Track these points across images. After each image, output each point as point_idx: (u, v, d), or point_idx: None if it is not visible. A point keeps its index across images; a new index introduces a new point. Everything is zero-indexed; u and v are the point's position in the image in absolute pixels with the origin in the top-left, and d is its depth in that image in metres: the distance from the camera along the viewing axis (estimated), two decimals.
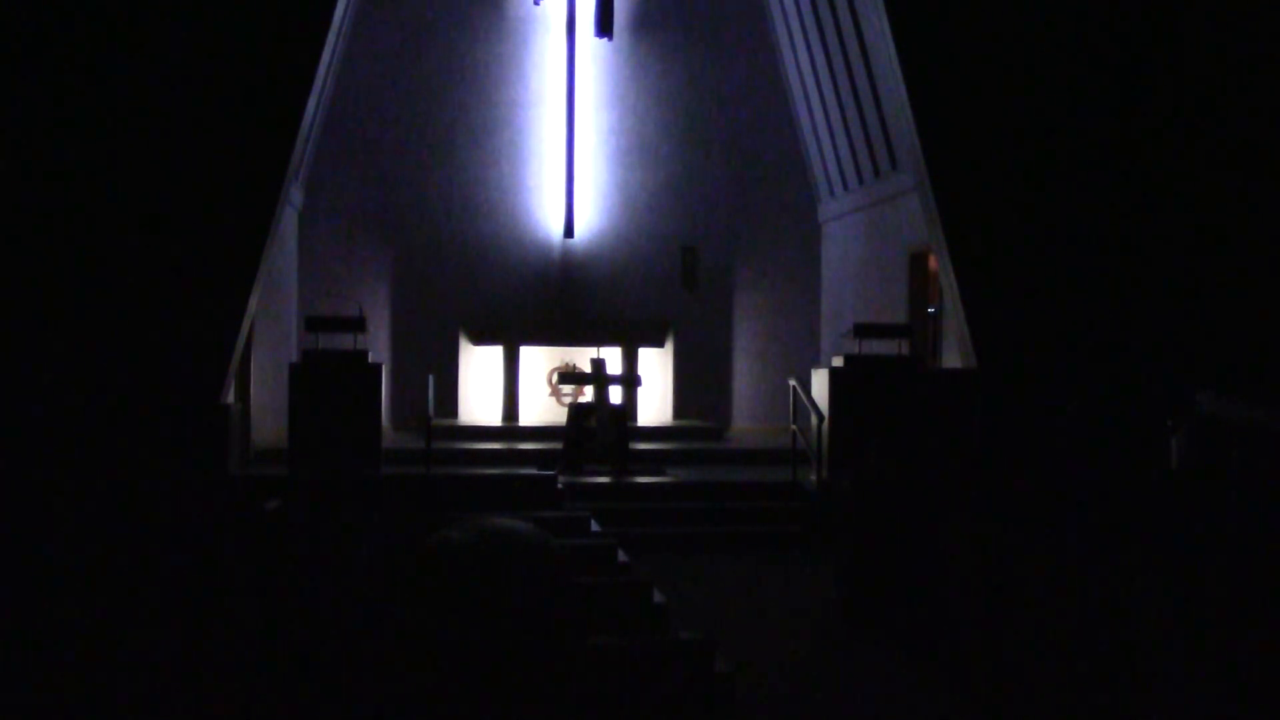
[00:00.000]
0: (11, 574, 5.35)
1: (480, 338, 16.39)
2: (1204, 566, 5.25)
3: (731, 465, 14.19)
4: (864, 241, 15.93)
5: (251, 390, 13.14)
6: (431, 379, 12.72)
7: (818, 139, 16.90)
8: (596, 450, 13.09)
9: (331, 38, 11.90)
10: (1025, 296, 11.23)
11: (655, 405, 16.60)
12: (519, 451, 14.30)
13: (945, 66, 11.22)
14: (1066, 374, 11.03)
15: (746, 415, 17.42)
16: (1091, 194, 11.25)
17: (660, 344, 16.67)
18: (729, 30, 17.47)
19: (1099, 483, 7.99)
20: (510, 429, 15.54)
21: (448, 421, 15.57)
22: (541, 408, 16.19)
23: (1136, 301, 11.19)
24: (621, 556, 7.45)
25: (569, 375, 15.47)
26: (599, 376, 13.91)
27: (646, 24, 17.38)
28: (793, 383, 13.16)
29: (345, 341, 12.30)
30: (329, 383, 11.73)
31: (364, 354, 12.03)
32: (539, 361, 16.35)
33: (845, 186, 16.36)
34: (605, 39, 16.79)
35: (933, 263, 13.42)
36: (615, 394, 14.35)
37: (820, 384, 12.50)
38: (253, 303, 11.18)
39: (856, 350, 12.49)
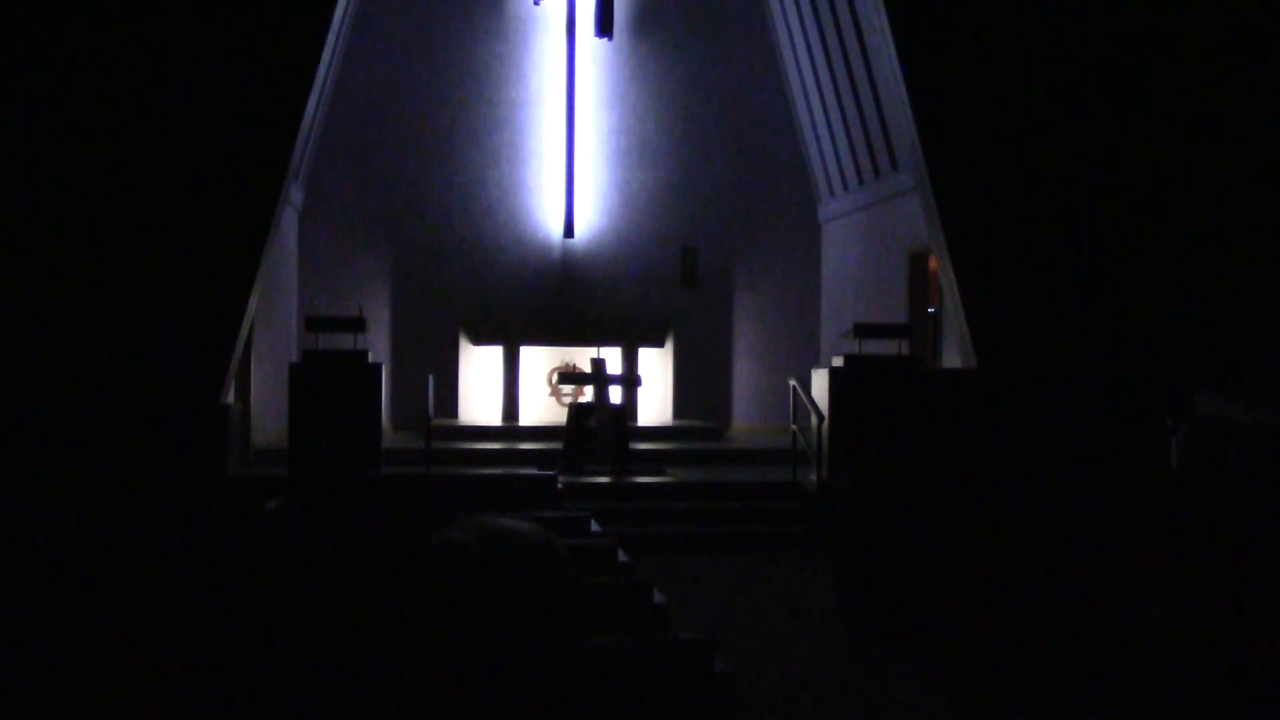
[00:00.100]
0: (11, 574, 5.35)
1: (480, 338, 16.39)
2: (1204, 566, 5.25)
3: (731, 465, 14.19)
4: (864, 241, 15.93)
5: (251, 390, 13.14)
6: (431, 379, 12.73)
7: (818, 139, 16.90)
8: (596, 450, 13.09)
9: (331, 38, 11.90)
10: (1025, 296, 11.23)
11: (655, 405, 16.60)
12: (519, 451, 14.30)
13: (945, 66, 11.22)
14: (1066, 374, 11.03)
15: (746, 415, 17.43)
16: (1091, 194, 11.25)
17: (660, 344, 16.67)
18: (729, 30, 17.48)
19: (1099, 483, 7.99)
20: (510, 429, 15.54)
21: (448, 421, 15.57)
22: (541, 408, 16.19)
23: (1136, 302, 11.19)
24: (621, 556, 7.44)
25: (569, 375, 15.47)
26: (599, 376, 13.91)
27: (646, 24, 17.39)
28: (793, 383, 13.16)
29: (345, 341, 12.30)
30: (329, 383, 11.73)
31: (364, 354, 12.03)
32: (539, 361, 16.35)
33: (845, 186, 16.37)
34: (605, 39, 16.79)
35: (933, 263, 13.43)
36: (615, 394, 14.35)
37: (820, 384, 12.50)
38: (252, 303, 11.18)
39: (856, 350, 12.48)
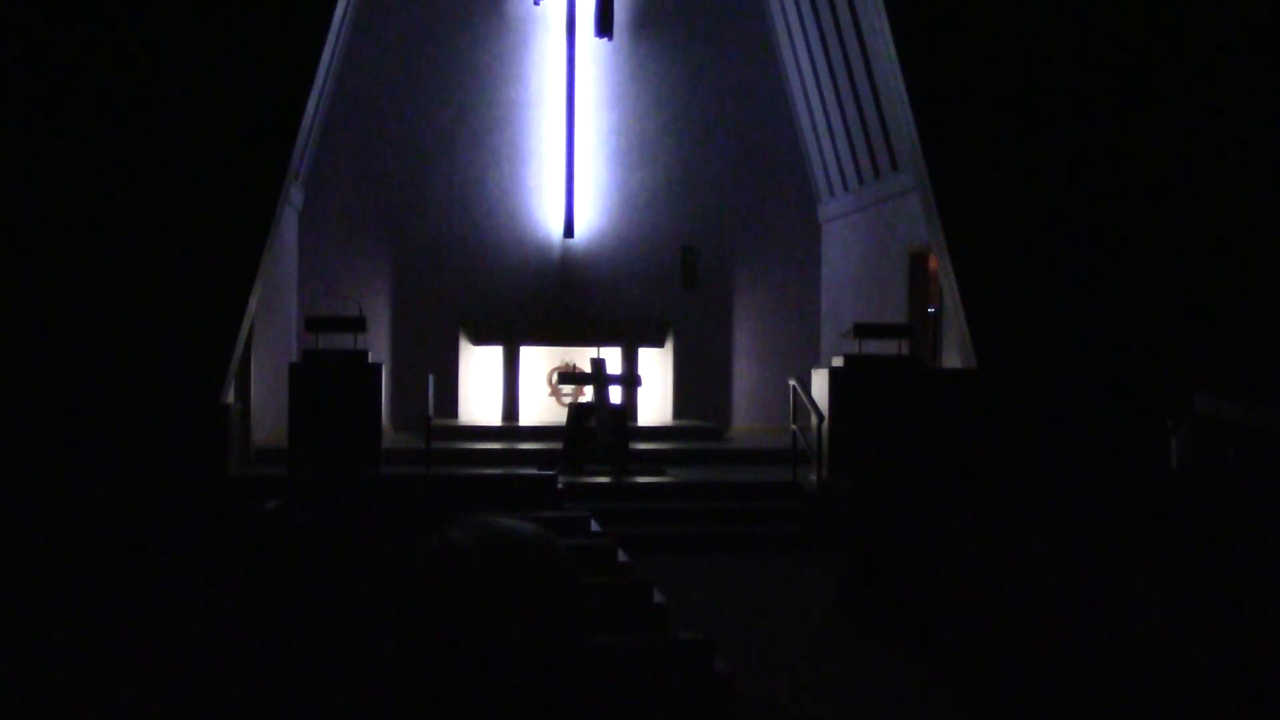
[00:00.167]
0: (11, 573, 5.35)
1: (480, 338, 16.39)
2: (1204, 566, 5.25)
3: (731, 465, 14.19)
4: (864, 241, 15.93)
5: (251, 390, 13.14)
6: (431, 379, 12.72)
7: (818, 139, 16.90)
8: (596, 450, 13.09)
9: (331, 38, 11.90)
10: (1025, 296, 11.22)
11: (655, 405, 16.60)
12: (519, 451, 14.30)
13: (945, 66, 11.21)
14: (1066, 374, 11.03)
15: (746, 415, 17.43)
16: (1092, 194, 11.24)
17: (660, 344, 16.67)
18: (729, 30, 17.48)
19: (1099, 483, 7.98)
20: (510, 429, 15.54)
21: (448, 421, 15.56)
22: (541, 408, 16.19)
23: (1136, 302, 11.19)
24: (621, 556, 7.44)
25: (569, 375, 15.47)
26: (599, 376, 13.91)
27: (646, 24, 17.39)
28: (793, 383, 13.16)
29: (345, 341, 12.30)
30: (329, 383, 11.72)
31: (364, 354, 12.03)
32: (539, 361, 16.35)
33: (845, 186, 16.37)
34: (605, 39, 16.79)
35: (933, 263, 13.42)
36: (615, 394, 14.35)
37: (820, 384, 12.50)
38: (253, 303, 11.18)
39: (856, 350, 12.48)
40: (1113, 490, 7.12)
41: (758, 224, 17.60)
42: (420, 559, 1.79)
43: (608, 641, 4.72)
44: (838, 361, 12.43)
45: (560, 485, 9.73)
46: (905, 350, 12.96)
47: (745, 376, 17.54)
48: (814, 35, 15.75)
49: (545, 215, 17.14)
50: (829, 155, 16.62)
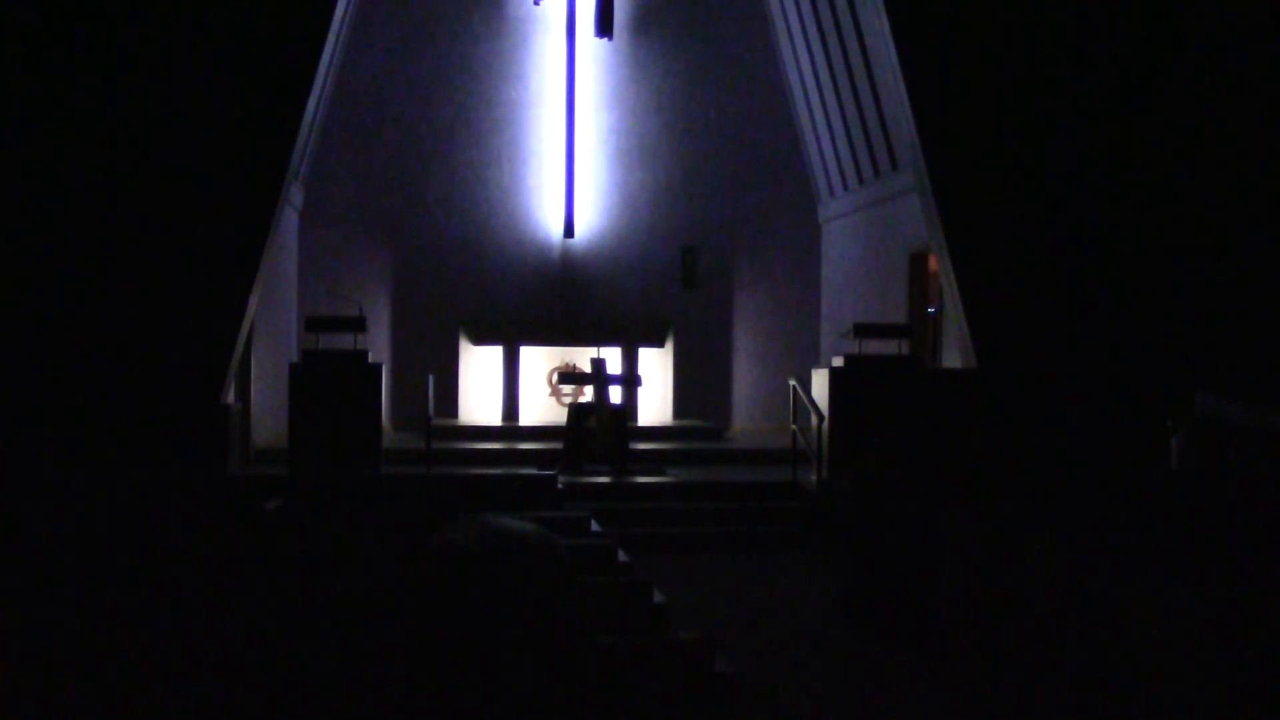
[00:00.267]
0: (12, 573, 5.35)
1: (480, 338, 16.39)
2: (1204, 566, 5.25)
3: (731, 465, 14.18)
4: (864, 241, 15.93)
5: (251, 390, 13.13)
6: (431, 379, 12.72)
7: (818, 139, 16.90)
8: (596, 450, 13.09)
9: (331, 38, 11.90)
10: (1025, 296, 11.23)
11: (655, 405, 16.60)
12: (519, 451, 14.29)
13: (945, 66, 11.21)
14: (1066, 374, 11.03)
15: (746, 415, 17.42)
16: (1091, 194, 11.25)
17: (660, 344, 16.66)
18: (729, 30, 17.47)
19: (1099, 483, 7.99)
20: (510, 429, 15.54)
21: (448, 421, 15.56)
22: (541, 408, 16.19)
23: (1136, 302, 11.19)
24: (621, 556, 7.45)
25: (569, 375, 15.47)
26: (599, 376, 13.91)
27: (646, 24, 17.39)
28: (793, 383, 13.16)
29: (345, 341, 12.30)
30: (329, 383, 11.72)
31: (364, 354, 12.03)
32: (539, 361, 16.34)
33: (845, 186, 16.37)
34: (605, 39, 16.79)
35: (933, 263, 13.42)
36: (615, 394, 14.35)
37: (820, 384, 12.50)
38: (253, 303, 11.18)
39: (856, 350, 12.48)
40: (1113, 490, 7.12)
41: (758, 224, 17.59)
42: (421, 559, 1.79)
43: (608, 641, 4.72)
44: (838, 361, 12.42)
45: (560, 485, 9.73)
46: (905, 350, 12.95)
47: (745, 376, 17.54)
48: (814, 35, 15.75)
49: (545, 215, 17.14)
50: (829, 155, 16.62)
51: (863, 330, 12.61)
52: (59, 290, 10.51)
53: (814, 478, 12.14)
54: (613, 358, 15.73)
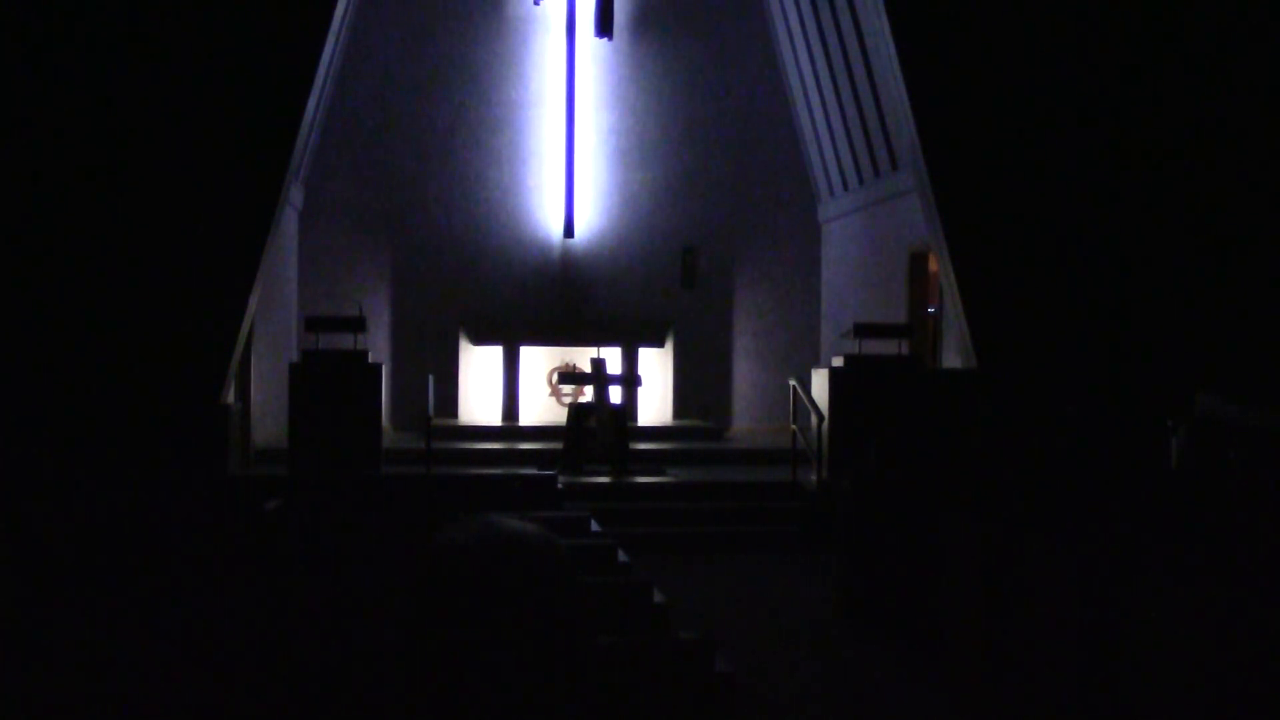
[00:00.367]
0: (11, 573, 5.35)
1: (480, 338, 16.39)
2: (1204, 566, 5.25)
3: (731, 465, 14.19)
4: (864, 241, 15.93)
5: (251, 390, 13.14)
6: (431, 379, 12.72)
7: (818, 139, 16.90)
8: (596, 450, 13.09)
9: (331, 38, 11.90)
10: (1025, 296, 11.23)
11: (655, 405, 16.60)
12: (519, 451, 14.30)
13: (945, 66, 11.21)
14: (1066, 374, 11.03)
15: (746, 415, 17.42)
16: (1092, 194, 11.24)
17: (660, 344, 16.66)
18: (729, 30, 17.47)
19: (1099, 483, 7.99)
20: (510, 429, 15.54)
21: (448, 421, 15.56)
22: (541, 408, 16.19)
23: (1136, 302, 11.19)
24: (621, 556, 7.45)
25: (569, 375, 15.47)
26: (599, 376, 13.91)
27: (646, 24, 17.39)
28: (793, 383, 13.16)
29: (345, 341, 12.30)
30: (329, 383, 11.73)
31: (364, 354, 12.03)
32: (539, 361, 16.35)
33: (845, 186, 16.37)
34: (605, 39, 16.79)
35: (933, 263, 13.42)
36: (615, 394, 14.35)
37: (820, 384, 12.50)
38: (253, 303, 11.18)
39: (856, 350, 12.48)
40: (1113, 490, 7.12)
41: (758, 224, 17.59)
42: (421, 558, 1.79)
43: (608, 641, 4.72)
44: (838, 361, 12.43)
45: (560, 485, 9.73)
46: (905, 350, 12.96)
47: (745, 376, 17.54)
48: (814, 35, 15.74)
49: (545, 215, 17.14)
50: (829, 155, 16.62)
51: (863, 330, 12.62)
52: (59, 290, 10.51)
53: (814, 478, 12.14)
54: (613, 358, 15.73)
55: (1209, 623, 4.90)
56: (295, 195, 15.33)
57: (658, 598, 6.44)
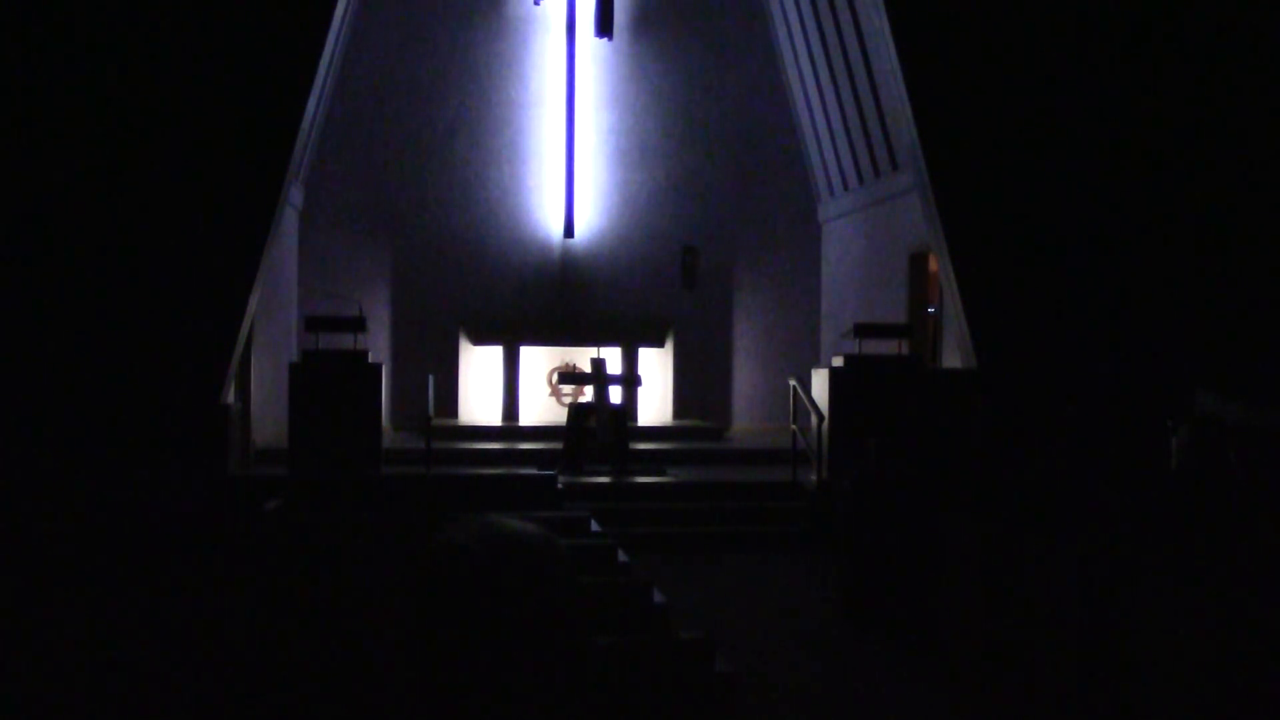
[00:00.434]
0: (11, 573, 5.35)
1: (480, 338, 16.39)
2: (1204, 566, 5.25)
3: (731, 465, 14.19)
4: (864, 241, 15.93)
5: (251, 390, 13.13)
6: (431, 379, 12.72)
7: (818, 139, 16.90)
8: (596, 450, 13.09)
9: (331, 38, 11.90)
10: (1025, 296, 11.23)
11: (655, 405, 16.60)
12: (519, 451, 14.30)
13: (945, 66, 11.21)
14: (1066, 374, 11.03)
15: (746, 415, 17.42)
16: (1091, 194, 11.24)
17: (660, 344, 16.67)
18: (729, 30, 17.47)
19: (1099, 483, 7.98)
20: (510, 429, 15.54)
21: (448, 421, 15.56)
22: (541, 408, 16.19)
23: (1136, 302, 11.19)
24: (621, 556, 7.44)
25: (569, 375, 15.47)
26: (599, 376, 13.91)
27: (646, 24, 17.39)
28: (793, 383, 13.16)
29: (345, 341, 12.30)
30: (329, 383, 11.72)
31: (364, 354, 12.03)
32: (539, 361, 16.35)
33: (845, 186, 16.36)
34: (605, 39, 16.79)
35: (933, 263, 13.42)
36: (615, 394, 14.35)
37: (820, 384, 12.50)
38: (253, 303, 11.18)
39: (856, 350, 12.48)
40: (1113, 490, 7.12)
41: (758, 224, 17.59)
42: (421, 559, 1.79)
43: (608, 641, 4.72)
44: (838, 361, 12.43)
45: (560, 485, 9.73)
46: (905, 350, 12.96)
47: (745, 376, 17.54)
48: (814, 36, 15.74)
49: (545, 215, 17.14)
50: (829, 155, 16.62)
51: (863, 330, 12.62)
52: (59, 290, 10.51)
53: (814, 478, 12.14)
54: (613, 358, 15.73)
55: (1209, 623, 4.90)
56: (295, 195, 15.33)
57: (658, 598, 6.44)
